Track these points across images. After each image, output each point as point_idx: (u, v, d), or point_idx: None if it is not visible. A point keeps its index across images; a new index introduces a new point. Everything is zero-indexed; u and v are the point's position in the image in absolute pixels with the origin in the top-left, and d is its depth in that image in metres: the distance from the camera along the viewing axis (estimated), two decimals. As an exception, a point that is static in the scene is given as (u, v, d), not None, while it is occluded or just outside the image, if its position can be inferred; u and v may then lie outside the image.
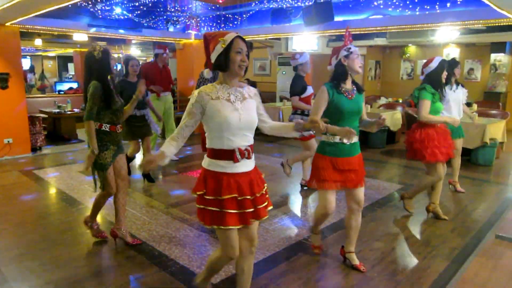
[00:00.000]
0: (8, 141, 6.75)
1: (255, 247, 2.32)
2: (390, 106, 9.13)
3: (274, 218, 4.18)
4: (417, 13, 5.57)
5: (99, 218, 3.78)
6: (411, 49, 11.53)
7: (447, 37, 8.33)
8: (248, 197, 2.13)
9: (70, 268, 3.12)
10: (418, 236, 3.81)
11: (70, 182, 5.38)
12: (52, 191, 5.17)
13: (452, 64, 4.56)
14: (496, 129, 6.47)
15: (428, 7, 5.40)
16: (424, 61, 4.03)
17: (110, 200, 3.47)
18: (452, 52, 10.54)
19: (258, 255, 3.31)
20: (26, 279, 2.96)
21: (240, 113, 2.11)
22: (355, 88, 2.92)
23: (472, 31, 8.29)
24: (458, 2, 5.08)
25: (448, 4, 5.18)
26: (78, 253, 3.39)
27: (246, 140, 2.16)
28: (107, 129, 3.23)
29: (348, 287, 2.91)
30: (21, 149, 6.94)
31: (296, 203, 4.82)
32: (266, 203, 2.25)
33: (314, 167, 2.97)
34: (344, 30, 6.74)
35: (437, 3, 5.27)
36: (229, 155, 2.11)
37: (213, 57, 2.12)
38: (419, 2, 5.49)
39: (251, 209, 2.15)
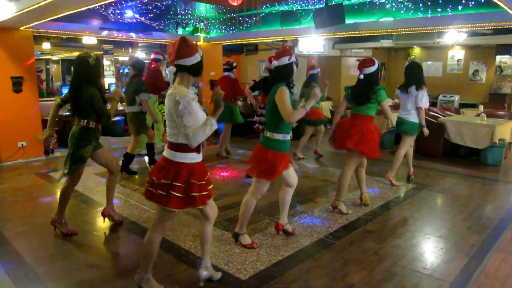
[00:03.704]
0: (22, 145, 6.80)
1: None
2: (396, 107, 9.20)
3: (296, 216, 4.26)
4: (429, 15, 5.64)
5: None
6: (416, 51, 11.62)
7: (454, 39, 8.42)
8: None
9: (101, 267, 3.19)
10: (436, 233, 3.89)
11: (86, 184, 5.42)
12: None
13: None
14: (504, 130, 6.58)
15: (440, 10, 5.48)
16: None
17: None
18: (457, 54, 10.65)
19: (282, 252, 3.40)
20: (60, 278, 3.02)
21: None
22: None
23: (478, 33, 8.38)
24: (470, 5, 5.17)
25: (460, 7, 5.27)
26: (106, 253, 3.47)
27: None
28: (93, 126, 3.62)
29: (374, 282, 2.98)
30: (34, 152, 6.98)
31: (316, 200, 4.89)
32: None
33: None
34: (356, 32, 6.85)
35: (449, 6, 5.36)
36: (198, 147, 2.49)
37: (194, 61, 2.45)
38: (431, 5, 5.58)
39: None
